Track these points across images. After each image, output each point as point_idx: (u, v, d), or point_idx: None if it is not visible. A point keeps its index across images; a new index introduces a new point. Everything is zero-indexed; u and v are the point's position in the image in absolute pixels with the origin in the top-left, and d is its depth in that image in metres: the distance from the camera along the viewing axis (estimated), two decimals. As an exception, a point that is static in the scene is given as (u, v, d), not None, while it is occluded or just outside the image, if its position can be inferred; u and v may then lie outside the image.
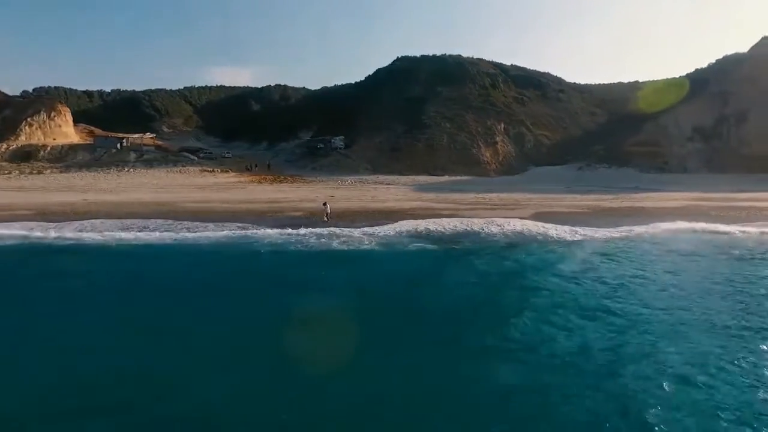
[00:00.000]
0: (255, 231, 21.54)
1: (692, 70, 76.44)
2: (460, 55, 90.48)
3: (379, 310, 12.20)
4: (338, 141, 64.70)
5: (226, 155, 73.96)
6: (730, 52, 74.31)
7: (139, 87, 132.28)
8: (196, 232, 21.21)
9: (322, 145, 65.41)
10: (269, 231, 21.56)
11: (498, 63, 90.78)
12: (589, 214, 28.89)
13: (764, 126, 50.09)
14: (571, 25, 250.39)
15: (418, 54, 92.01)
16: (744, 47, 74.57)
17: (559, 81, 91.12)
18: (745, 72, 58.71)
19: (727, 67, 64.68)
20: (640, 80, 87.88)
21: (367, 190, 43.08)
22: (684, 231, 23.20)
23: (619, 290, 13.37)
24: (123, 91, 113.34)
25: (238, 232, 21.43)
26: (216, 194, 38.19)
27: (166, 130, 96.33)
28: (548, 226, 23.18)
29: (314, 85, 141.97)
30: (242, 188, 43.56)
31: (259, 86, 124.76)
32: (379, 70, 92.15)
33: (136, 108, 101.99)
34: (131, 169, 52.29)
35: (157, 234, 20.58)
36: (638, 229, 23.17)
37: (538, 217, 27.14)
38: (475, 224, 23.48)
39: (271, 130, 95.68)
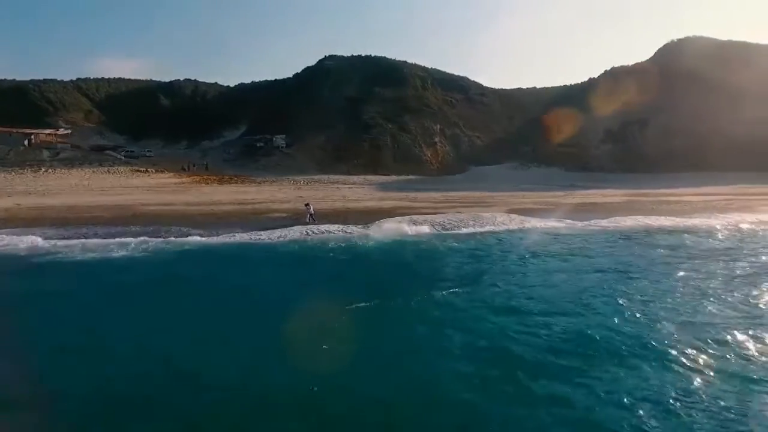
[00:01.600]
0: (284, 231, 20.72)
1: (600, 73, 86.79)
2: (385, 57, 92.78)
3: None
4: (280, 140, 62.66)
5: (148, 154, 68.14)
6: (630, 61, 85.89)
7: (21, 76, 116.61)
8: (218, 236, 19.74)
9: (262, 144, 62.90)
10: (294, 231, 20.85)
11: (422, 66, 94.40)
12: (556, 209, 31.35)
13: (663, 129, 58.24)
14: (481, 32, 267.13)
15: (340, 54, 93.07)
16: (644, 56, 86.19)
17: (478, 85, 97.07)
18: (646, 79, 67.75)
19: (630, 72, 74.09)
20: (554, 85, 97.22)
21: (333, 190, 42.52)
22: (643, 224, 26.13)
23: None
24: (4, 80, 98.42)
25: (254, 235, 20.26)
26: (173, 196, 35.16)
27: (63, 125, 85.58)
28: (548, 220, 25.12)
29: (226, 81, 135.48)
30: (196, 189, 40.61)
31: (166, 80, 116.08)
32: (307, 69, 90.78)
33: (22, 100, 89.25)
34: (49, 170, 45.82)
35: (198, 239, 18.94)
36: (604, 223, 25.66)
37: (515, 212, 29.01)
38: (485, 220, 24.57)
39: (190, 128, 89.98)
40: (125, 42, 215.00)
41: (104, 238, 18.46)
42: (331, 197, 36.68)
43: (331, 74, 78.28)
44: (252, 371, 7.92)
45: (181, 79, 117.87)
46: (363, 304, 11.24)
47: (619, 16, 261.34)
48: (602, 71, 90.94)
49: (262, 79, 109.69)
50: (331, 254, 17.48)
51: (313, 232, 20.80)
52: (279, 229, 21.44)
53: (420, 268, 16.09)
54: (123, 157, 56.28)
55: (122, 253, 16.81)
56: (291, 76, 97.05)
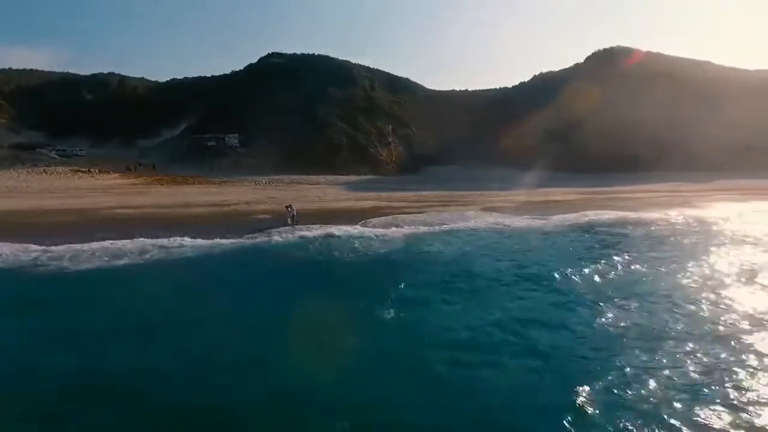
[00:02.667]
0: (283, 234, 20.18)
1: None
2: (330, 56, 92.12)
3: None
4: (233, 139, 60.18)
5: (80, 153, 62.66)
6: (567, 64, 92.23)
7: None
8: (212, 239, 18.83)
9: (213, 143, 59.98)
10: (294, 232, 20.54)
11: (366, 66, 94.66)
12: (526, 207, 33.03)
13: (598, 132, 63.31)
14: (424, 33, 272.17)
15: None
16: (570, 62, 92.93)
17: (421, 87, 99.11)
18: (580, 84, 73.12)
19: (567, 76, 79.47)
20: (489, 88, 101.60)
21: (302, 191, 41.74)
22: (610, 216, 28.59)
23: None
24: None
25: (250, 238, 19.61)
26: (134, 199, 32.73)
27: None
28: (524, 217, 26.60)
29: (155, 76, 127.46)
30: (156, 191, 38.02)
31: (84, 73, 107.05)
32: (253, 66, 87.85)
33: None
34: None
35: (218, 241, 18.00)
36: (570, 216, 27.77)
37: (490, 210, 30.46)
38: (469, 217, 25.61)
39: (121, 125, 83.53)
40: (24, 29, 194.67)
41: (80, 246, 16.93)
42: (304, 198, 35.99)
43: (281, 72, 76.25)
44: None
45: (105, 72, 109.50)
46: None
47: (551, 23, 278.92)
48: (532, 75, 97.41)
49: (196, 75, 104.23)
50: (359, 256, 17.36)
51: (315, 233, 20.49)
52: (274, 231, 20.96)
53: (464, 264, 16.26)
54: (57, 157, 51.22)
55: (124, 261, 15.65)
56: (230, 72, 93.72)
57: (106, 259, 15.82)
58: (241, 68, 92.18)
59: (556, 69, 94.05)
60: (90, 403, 7.11)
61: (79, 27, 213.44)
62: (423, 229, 22.88)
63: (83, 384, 7.67)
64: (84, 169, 46.78)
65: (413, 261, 16.70)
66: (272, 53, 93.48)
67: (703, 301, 11.77)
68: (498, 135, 69.55)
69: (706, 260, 16.66)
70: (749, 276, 14.25)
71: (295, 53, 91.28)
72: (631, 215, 28.85)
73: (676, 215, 28.96)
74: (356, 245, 18.97)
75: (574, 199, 38.80)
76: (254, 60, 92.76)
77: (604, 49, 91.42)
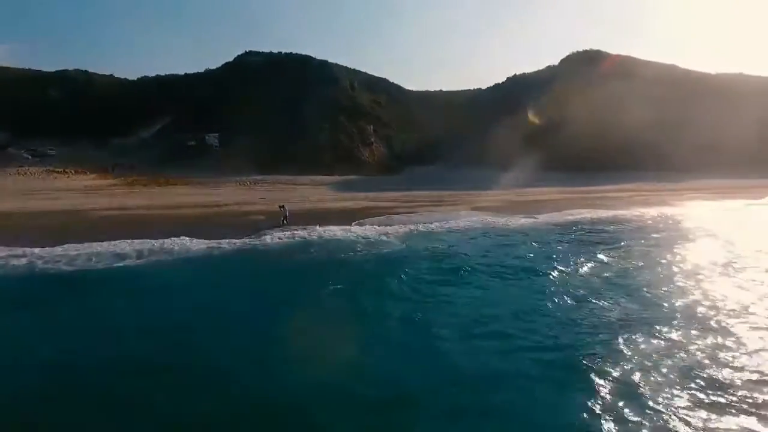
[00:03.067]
0: (307, 233, 20.46)
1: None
2: (309, 55, 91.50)
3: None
4: (213, 139, 59.23)
5: (50, 152, 60.47)
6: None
7: None
8: (212, 240, 18.81)
9: (193, 143, 58.83)
10: (298, 233, 20.69)
11: (345, 67, 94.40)
12: (513, 207, 33.92)
13: (576, 132, 65.19)
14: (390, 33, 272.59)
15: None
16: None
17: (398, 87, 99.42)
18: (557, 85, 75.09)
19: (542, 78, 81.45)
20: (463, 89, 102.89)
21: (290, 191, 41.55)
22: (601, 215, 29.78)
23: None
24: None
25: (253, 239, 19.67)
26: (118, 200, 31.96)
27: None
28: (514, 216, 27.41)
29: (122, 74, 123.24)
30: (140, 192, 37.12)
31: (48, 69, 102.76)
32: (229, 64, 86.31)
33: None
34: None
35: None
36: (556, 215, 29.05)
37: (479, 210, 31.18)
38: (462, 217, 26.17)
39: (93, 124, 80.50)
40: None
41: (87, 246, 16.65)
42: (294, 198, 35.86)
43: (259, 71, 75.26)
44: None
45: (70, 69, 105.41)
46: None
47: (520, 27, 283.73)
48: (506, 78, 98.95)
49: (168, 72, 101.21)
50: (364, 255, 17.57)
51: (315, 234, 20.74)
52: (275, 231, 21.10)
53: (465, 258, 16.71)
54: (30, 157, 49.32)
55: (128, 263, 15.49)
56: (204, 70, 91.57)
57: (110, 261, 15.64)
58: (217, 66, 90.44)
59: (529, 71, 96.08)
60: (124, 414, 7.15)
61: (37, 21, 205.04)
62: (420, 228, 23.28)
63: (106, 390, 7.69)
64: (59, 170, 45.29)
65: (418, 259, 17.03)
66: (248, 51, 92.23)
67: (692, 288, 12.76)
68: (476, 135, 70.66)
69: (695, 252, 17.95)
70: (728, 266, 15.71)
71: (271, 52, 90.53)
72: (620, 213, 30.30)
73: (658, 213, 30.39)
74: (359, 245, 19.22)
75: (557, 199, 39.98)
76: (229, 58, 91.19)
77: (578, 52, 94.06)
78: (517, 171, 57.04)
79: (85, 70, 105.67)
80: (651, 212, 30.84)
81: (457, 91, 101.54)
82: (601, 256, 17.07)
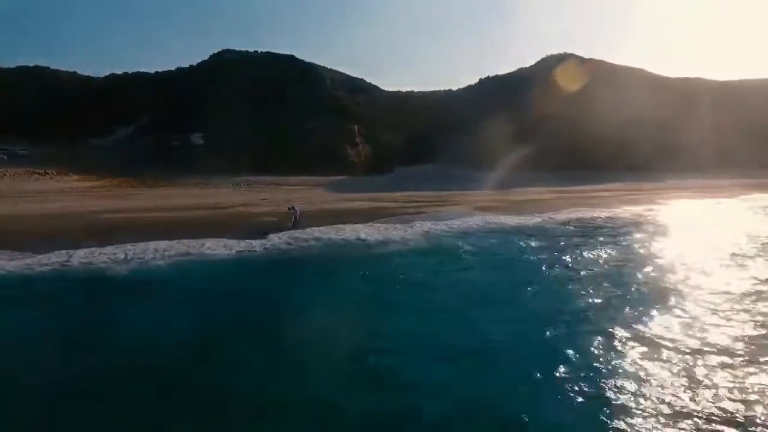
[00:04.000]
0: (332, 234, 20.48)
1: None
2: (292, 55, 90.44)
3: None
4: (198, 139, 57.78)
5: (21, 153, 57.67)
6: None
7: None
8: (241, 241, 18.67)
9: (177, 143, 57.24)
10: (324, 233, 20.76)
11: (324, 67, 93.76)
12: (515, 207, 34.54)
13: (556, 132, 67.23)
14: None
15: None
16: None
17: (375, 87, 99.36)
18: (537, 86, 77.19)
19: (517, 79, 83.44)
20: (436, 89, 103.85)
21: (288, 192, 41.16)
22: (602, 214, 30.89)
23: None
24: None
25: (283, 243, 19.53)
26: (119, 202, 30.90)
27: None
28: (519, 216, 28.06)
29: (85, 71, 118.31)
30: (137, 194, 36.00)
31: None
32: (204, 63, 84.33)
33: None
34: None
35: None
36: (561, 214, 29.97)
37: (481, 210, 31.78)
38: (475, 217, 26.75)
39: (64, 123, 77.22)
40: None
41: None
42: (297, 200, 35.42)
43: (238, 70, 73.74)
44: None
45: (31, 65, 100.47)
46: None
47: (497, 25, 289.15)
48: (477, 79, 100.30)
49: (135, 71, 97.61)
50: (397, 256, 17.64)
51: (341, 235, 20.87)
52: (297, 233, 20.91)
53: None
54: (6, 158, 46.86)
55: (159, 264, 15.15)
56: (176, 69, 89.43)
57: (138, 264, 15.16)
58: (193, 64, 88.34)
59: (501, 73, 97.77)
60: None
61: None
62: (439, 227, 23.50)
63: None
64: (40, 171, 43.27)
65: (462, 258, 17.33)
66: (225, 50, 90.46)
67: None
68: (459, 136, 71.62)
69: (704, 243, 19.43)
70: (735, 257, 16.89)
71: (247, 50, 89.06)
72: (617, 212, 31.39)
73: (654, 211, 31.84)
74: (389, 246, 19.27)
75: (551, 198, 41.14)
76: (201, 57, 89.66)
77: (551, 55, 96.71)
78: (502, 171, 58.28)
79: (47, 67, 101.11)
80: (653, 209, 32.32)
81: (434, 92, 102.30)
82: (612, 251, 17.99)
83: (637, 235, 21.99)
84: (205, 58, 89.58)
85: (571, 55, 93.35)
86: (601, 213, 31.23)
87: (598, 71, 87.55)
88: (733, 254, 17.22)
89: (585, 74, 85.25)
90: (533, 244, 20.26)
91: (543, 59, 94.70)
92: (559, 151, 65.55)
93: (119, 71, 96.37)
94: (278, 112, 63.89)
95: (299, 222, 23.52)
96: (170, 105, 68.56)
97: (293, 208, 24.68)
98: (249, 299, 12.46)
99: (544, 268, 15.82)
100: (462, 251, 18.39)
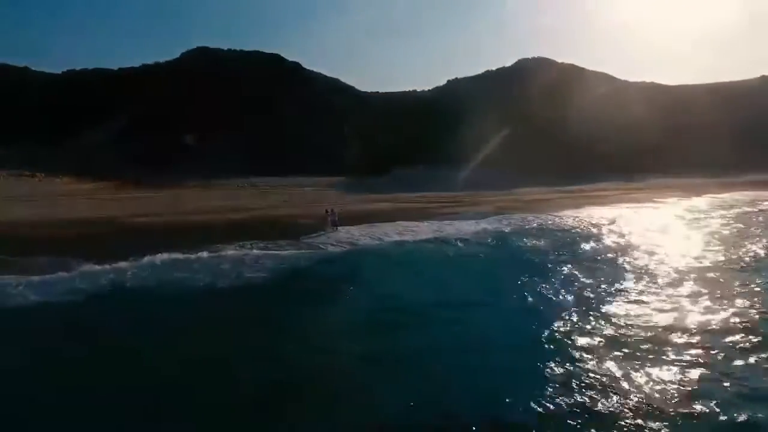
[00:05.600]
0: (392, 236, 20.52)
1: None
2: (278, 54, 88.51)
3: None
4: (190, 139, 55.52)
5: (-4, 154, 53.59)
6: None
7: None
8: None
9: (169, 144, 54.74)
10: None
11: (306, 68, 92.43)
12: (531, 207, 34.81)
13: (543, 133, 69.40)
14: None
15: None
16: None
17: (353, 87, 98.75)
18: (505, 89, 79.40)
19: (510, 75, 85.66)
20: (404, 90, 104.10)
21: (302, 194, 40.26)
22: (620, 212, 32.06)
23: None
24: None
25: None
26: (133, 206, 29.21)
27: None
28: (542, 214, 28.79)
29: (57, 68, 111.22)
30: (147, 198, 34.24)
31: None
32: (182, 60, 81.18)
33: None
34: None
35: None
36: (583, 213, 30.92)
37: (502, 210, 32.34)
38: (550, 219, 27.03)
39: (42, 124, 71.72)
40: None
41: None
42: (317, 202, 34.80)
43: (228, 69, 71.51)
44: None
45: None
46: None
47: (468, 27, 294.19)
48: (446, 80, 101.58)
49: (108, 66, 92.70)
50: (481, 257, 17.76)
51: (402, 237, 20.79)
52: (357, 238, 20.48)
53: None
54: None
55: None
56: (161, 62, 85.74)
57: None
58: (167, 60, 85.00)
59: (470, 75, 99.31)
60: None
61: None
62: (493, 226, 23.73)
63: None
64: (27, 173, 40.32)
65: (540, 256, 17.63)
66: (199, 47, 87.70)
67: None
68: (445, 136, 72.43)
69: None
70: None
71: (220, 48, 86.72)
72: (622, 210, 32.54)
73: (666, 208, 33.51)
74: (460, 246, 19.29)
75: (555, 198, 42.32)
76: (173, 54, 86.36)
77: (525, 59, 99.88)
78: (498, 172, 59.49)
79: (23, 66, 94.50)
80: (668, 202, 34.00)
81: (422, 91, 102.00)
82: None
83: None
84: (177, 56, 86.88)
85: (546, 59, 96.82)
86: (618, 211, 32.37)
87: (572, 74, 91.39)
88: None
89: (561, 77, 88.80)
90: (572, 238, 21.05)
91: (519, 61, 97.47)
92: (545, 151, 67.58)
93: (90, 67, 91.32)
94: (268, 113, 62.48)
95: (337, 224, 23.15)
96: (153, 104, 65.48)
97: (332, 210, 24.16)
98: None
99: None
100: (526, 250, 18.85)
